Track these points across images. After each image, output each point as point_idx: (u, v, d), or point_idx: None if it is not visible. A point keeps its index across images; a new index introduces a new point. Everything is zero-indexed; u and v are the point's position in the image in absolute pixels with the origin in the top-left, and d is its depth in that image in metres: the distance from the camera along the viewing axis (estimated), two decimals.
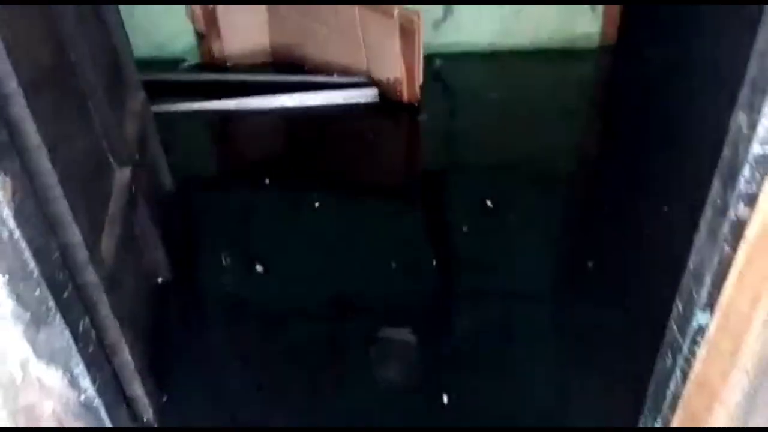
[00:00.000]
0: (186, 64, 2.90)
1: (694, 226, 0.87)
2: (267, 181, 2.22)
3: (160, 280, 1.76)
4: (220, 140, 2.73)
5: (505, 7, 2.83)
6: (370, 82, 2.66)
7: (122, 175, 1.47)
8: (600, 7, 2.82)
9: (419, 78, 2.53)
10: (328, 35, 2.67)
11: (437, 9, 2.84)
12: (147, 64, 2.28)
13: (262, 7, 2.77)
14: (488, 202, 2.06)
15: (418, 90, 2.54)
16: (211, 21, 2.76)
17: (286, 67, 2.90)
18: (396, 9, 2.33)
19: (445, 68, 2.85)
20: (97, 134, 1.37)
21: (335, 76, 2.75)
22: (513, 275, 1.82)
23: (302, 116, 2.61)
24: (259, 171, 2.27)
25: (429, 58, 2.72)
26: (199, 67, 2.89)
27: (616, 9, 2.82)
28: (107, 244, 1.26)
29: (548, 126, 2.48)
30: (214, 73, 2.82)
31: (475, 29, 2.89)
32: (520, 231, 1.96)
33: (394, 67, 2.52)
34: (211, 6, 2.73)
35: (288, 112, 2.63)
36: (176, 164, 2.13)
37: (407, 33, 2.37)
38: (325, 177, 2.30)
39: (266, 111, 2.62)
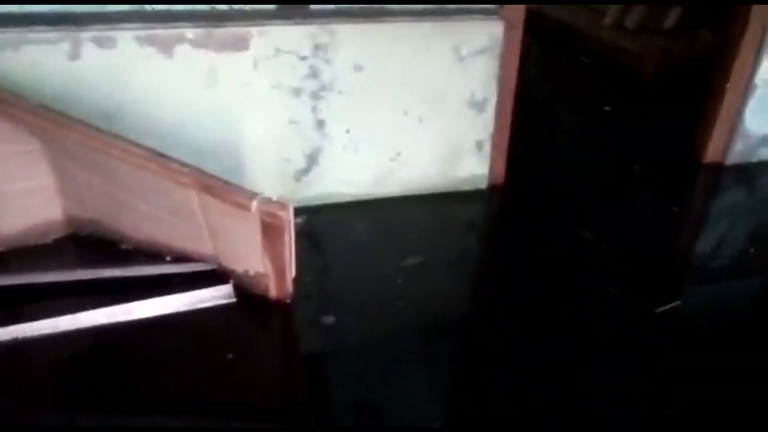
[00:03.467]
0: None
1: None
2: None
3: None
4: None
5: (380, 151, 2.39)
6: (222, 273, 2.01)
7: None
8: (486, 147, 2.51)
9: (291, 272, 1.94)
10: (153, 213, 1.98)
11: (299, 158, 2.30)
12: None
13: (43, 168, 1.99)
14: None
15: (290, 285, 1.95)
16: None
17: (93, 246, 2.13)
18: (254, 202, 1.74)
19: (313, 225, 2.32)
20: None
21: (168, 260, 2.05)
22: None
23: (125, 336, 1.86)
24: None
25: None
26: None
27: (504, 148, 2.53)
28: None
29: (438, 276, 2.14)
30: None
31: (345, 178, 2.40)
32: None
33: (254, 260, 1.91)
34: None
35: (102, 330, 1.86)
36: None
37: (272, 230, 1.78)
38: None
39: (64, 334, 1.83)
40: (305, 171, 2.35)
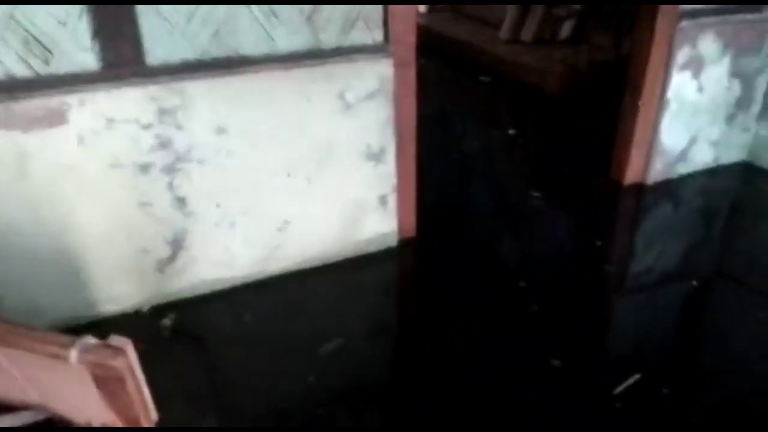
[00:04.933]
0: None
1: None
2: None
3: None
4: None
5: (262, 224, 1.99)
6: (60, 423, 1.53)
7: None
8: (391, 201, 2.17)
9: (150, 417, 1.50)
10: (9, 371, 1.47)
11: (160, 246, 1.86)
12: None
13: None
14: None
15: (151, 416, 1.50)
16: None
17: None
18: (72, 352, 1.29)
19: (188, 324, 1.90)
20: None
21: None
22: None
23: None
24: None
25: (158, 312, 1.87)
26: None
27: (411, 198, 2.20)
28: None
29: (359, 364, 1.78)
30: None
31: (223, 261, 1.98)
32: None
33: (95, 410, 1.45)
34: None
35: None
36: None
37: (108, 381, 1.34)
38: None
39: None
40: (170, 260, 1.91)
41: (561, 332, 1.91)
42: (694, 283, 2.17)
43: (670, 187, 2.74)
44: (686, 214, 2.62)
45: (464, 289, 2.14)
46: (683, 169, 2.77)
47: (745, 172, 2.87)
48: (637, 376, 1.71)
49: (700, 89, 2.61)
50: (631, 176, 2.67)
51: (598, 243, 2.43)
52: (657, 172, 2.71)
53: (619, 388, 1.67)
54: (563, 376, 1.73)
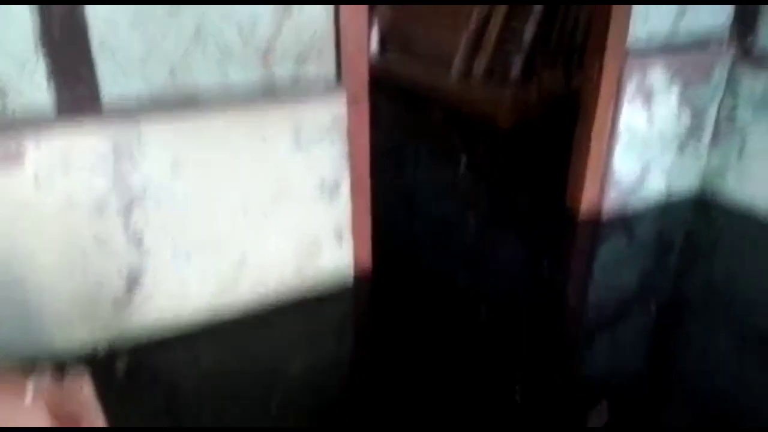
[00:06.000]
0: None
1: None
2: None
3: None
4: None
5: (219, 258, 2.06)
6: None
7: None
8: (346, 235, 2.26)
9: None
10: None
11: (118, 283, 1.92)
12: None
13: None
14: None
15: None
16: None
17: None
18: (29, 385, 1.34)
19: (142, 368, 1.93)
20: None
21: None
22: None
23: None
24: None
25: (114, 353, 1.92)
26: None
27: (366, 232, 2.29)
28: None
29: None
30: None
31: (178, 299, 2.05)
32: None
33: None
34: None
35: None
36: None
37: (65, 416, 1.39)
38: None
39: None
40: (126, 296, 1.97)
41: (521, 364, 2.00)
42: (652, 308, 2.27)
43: (625, 215, 2.87)
44: (640, 243, 2.74)
45: (421, 322, 2.21)
46: (637, 196, 2.91)
47: (698, 198, 3.01)
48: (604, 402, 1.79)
49: (651, 119, 2.76)
50: (585, 206, 2.80)
51: (552, 271, 2.54)
52: (611, 201, 2.84)
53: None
54: (525, 409, 1.80)
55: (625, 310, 2.29)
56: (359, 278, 2.34)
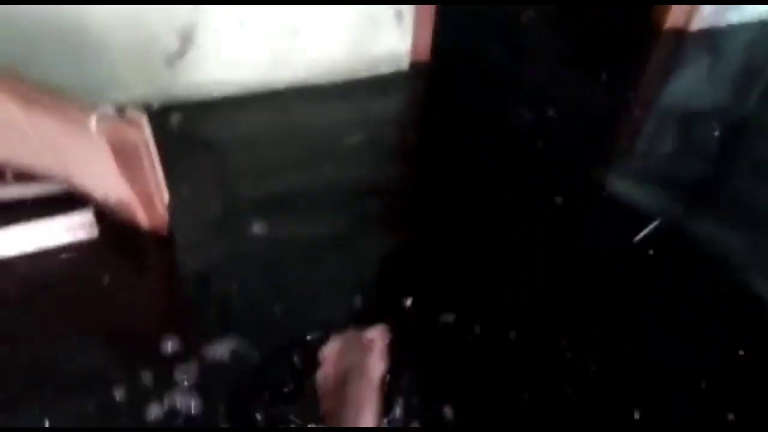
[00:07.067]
0: None
1: None
2: None
3: None
4: None
5: (275, 29, 2.01)
6: (80, 197, 1.72)
7: None
8: (408, 18, 2.16)
9: (163, 198, 1.68)
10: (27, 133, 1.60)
11: (170, 38, 1.91)
12: None
13: None
14: None
15: (164, 213, 1.69)
16: None
17: None
18: (92, 120, 1.41)
19: (195, 126, 1.99)
20: None
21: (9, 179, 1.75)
22: None
23: None
24: None
25: (163, 113, 1.93)
26: None
27: (429, 17, 2.18)
28: None
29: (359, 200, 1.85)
30: None
31: (230, 63, 2.05)
32: None
33: (112, 184, 1.62)
34: None
35: None
36: None
37: (125, 153, 1.48)
38: None
39: None
40: (179, 54, 1.97)
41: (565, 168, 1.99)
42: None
43: (717, 30, 2.62)
44: (726, 62, 2.55)
45: (473, 120, 2.17)
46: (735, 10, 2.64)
47: None
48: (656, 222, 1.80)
49: None
50: (671, 19, 2.57)
51: (616, 78, 2.40)
52: (702, 19, 2.60)
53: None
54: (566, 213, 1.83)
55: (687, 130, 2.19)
56: (416, 65, 2.27)
